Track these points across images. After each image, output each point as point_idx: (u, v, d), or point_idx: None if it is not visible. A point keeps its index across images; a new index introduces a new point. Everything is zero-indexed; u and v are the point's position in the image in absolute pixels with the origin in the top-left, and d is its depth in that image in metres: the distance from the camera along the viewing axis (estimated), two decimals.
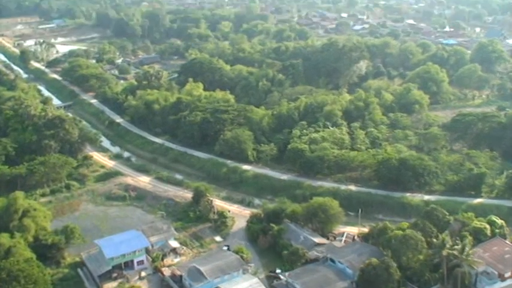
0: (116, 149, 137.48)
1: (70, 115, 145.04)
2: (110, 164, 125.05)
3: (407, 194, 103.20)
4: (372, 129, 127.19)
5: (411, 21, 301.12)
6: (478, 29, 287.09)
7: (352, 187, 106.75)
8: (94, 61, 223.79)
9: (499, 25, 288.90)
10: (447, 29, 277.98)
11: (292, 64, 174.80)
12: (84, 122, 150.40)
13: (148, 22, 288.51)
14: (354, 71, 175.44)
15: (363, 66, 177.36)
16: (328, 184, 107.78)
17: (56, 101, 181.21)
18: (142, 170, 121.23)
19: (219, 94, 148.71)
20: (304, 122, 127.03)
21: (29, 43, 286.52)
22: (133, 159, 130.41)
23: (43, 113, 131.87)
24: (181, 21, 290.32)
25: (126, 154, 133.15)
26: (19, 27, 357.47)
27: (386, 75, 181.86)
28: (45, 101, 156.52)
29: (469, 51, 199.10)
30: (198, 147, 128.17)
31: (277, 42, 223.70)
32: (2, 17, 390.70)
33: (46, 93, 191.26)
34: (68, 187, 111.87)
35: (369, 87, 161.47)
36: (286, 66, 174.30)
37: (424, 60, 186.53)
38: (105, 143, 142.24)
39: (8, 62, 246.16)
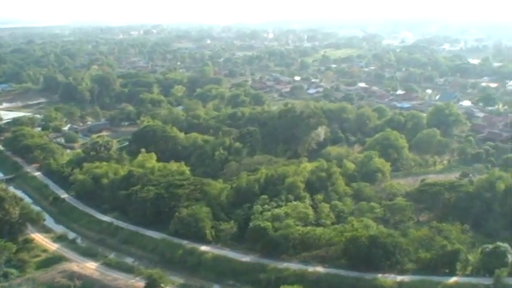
0: (60, 229, 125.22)
1: (11, 191, 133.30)
2: (53, 247, 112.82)
3: (379, 275, 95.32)
4: (337, 202, 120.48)
5: (363, 85, 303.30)
6: (429, 91, 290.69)
7: (320, 268, 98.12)
8: (39, 129, 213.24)
9: (450, 86, 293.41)
10: (400, 91, 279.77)
11: (250, 131, 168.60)
12: (26, 199, 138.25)
13: (98, 86, 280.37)
14: (312, 137, 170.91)
15: (321, 132, 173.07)
16: (294, 266, 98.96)
17: None
18: (88, 254, 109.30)
19: (173, 166, 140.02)
20: (265, 196, 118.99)
21: None
22: (79, 240, 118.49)
23: None
24: (132, 85, 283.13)
25: (71, 235, 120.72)
26: None
27: (344, 141, 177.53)
28: None
29: (425, 115, 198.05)
30: (151, 225, 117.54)
31: (233, 107, 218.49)
32: None
33: None
34: (5, 276, 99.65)
35: (329, 154, 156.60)
36: (243, 133, 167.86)
37: (381, 125, 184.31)
38: (49, 221, 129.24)
39: None
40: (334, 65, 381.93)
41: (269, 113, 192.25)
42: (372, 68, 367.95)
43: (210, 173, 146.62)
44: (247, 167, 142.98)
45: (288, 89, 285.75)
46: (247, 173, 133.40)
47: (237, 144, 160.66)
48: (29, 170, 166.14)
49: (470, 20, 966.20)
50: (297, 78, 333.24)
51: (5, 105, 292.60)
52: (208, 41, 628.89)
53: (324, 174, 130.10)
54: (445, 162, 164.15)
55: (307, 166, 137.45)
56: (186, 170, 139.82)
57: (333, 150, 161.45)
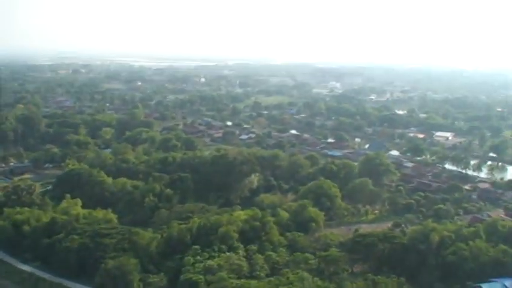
0: None
1: None
2: None
3: None
4: (271, 252, 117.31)
5: (295, 132, 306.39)
6: (358, 140, 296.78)
7: None
8: None
9: (378, 136, 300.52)
10: (330, 140, 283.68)
11: (181, 178, 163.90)
12: None
13: (22, 126, 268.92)
14: (245, 184, 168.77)
15: (254, 179, 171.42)
16: None
17: None
18: None
19: (99, 213, 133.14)
20: (197, 247, 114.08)
21: None
22: None
23: None
24: (58, 125, 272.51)
25: None
26: None
27: (277, 188, 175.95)
28: None
29: (356, 164, 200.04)
30: (75, 277, 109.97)
31: (164, 151, 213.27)
32: None
33: None
34: None
35: (262, 202, 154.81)
36: (174, 179, 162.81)
37: (313, 174, 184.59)
38: None
39: None
40: (265, 112, 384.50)
41: (201, 158, 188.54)
42: (303, 115, 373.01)
43: (139, 221, 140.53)
44: (179, 215, 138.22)
45: (220, 134, 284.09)
46: (178, 222, 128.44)
47: (168, 190, 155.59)
48: None
49: (395, 72, 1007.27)
50: (229, 123, 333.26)
51: None
52: (139, 83, 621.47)
53: (257, 223, 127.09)
54: (376, 212, 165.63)
55: (241, 215, 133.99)
56: (114, 218, 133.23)
57: (266, 198, 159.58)
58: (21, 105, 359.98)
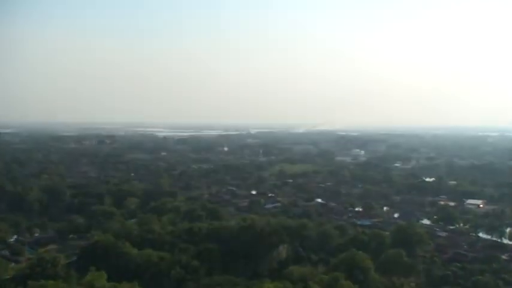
0: None
1: None
2: None
3: None
4: None
5: (321, 200, 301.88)
6: (385, 208, 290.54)
7: None
8: None
9: (407, 205, 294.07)
10: (358, 208, 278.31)
11: (208, 249, 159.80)
12: None
13: (47, 196, 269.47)
14: (273, 256, 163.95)
15: (283, 251, 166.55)
16: None
17: None
18: None
19: (125, 287, 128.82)
20: None
21: None
22: None
23: None
24: (83, 196, 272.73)
25: None
26: None
27: (307, 260, 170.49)
28: None
29: (387, 233, 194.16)
30: None
31: (189, 221, 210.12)
32: None
33: None
34: None
35: (291, 274, 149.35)
36: (201, 251, 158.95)
37: (344, 245, 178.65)
38: None
39: None
40: (290, 180, 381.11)
41: (227, 229, 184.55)
42: (328, 184, 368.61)
43: None
44: None
45: (245, 204, 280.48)
46: None
47: (195, 262, 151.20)
48: None
49: (418, 138, 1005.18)
50: (254, 192, 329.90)
51: None
52: (163, 153, 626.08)
53: None
54: (412, 284, 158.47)
55: (268, 286, 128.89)
56: None
57: (296, 270, 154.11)
58: (45, 176, 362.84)
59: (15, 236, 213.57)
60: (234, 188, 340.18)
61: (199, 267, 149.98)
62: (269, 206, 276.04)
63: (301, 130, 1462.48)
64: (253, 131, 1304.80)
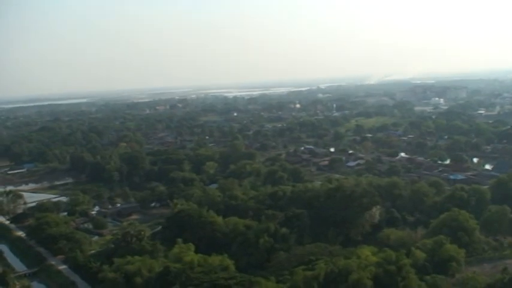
0: None
1: None
2: None
3: None
4: None
5: (405, 155, 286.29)
6: (476, 159, 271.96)
7: None
8: (65, 214, 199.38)
9: (500, 154, 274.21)
10: (447, 161, 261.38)
11: (296, 214, 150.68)
12: None
13: (127, 165, 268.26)
14: (366, 219, 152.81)
15: (375, 213, 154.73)
16: None
17: (20, 266, 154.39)
18: None
19: (215, 259, 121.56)
20: None
21: None
22: None
23: None
24: (162, 162, 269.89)
25: None
26: None
27: (402, 222, 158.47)
28: (4, 275, 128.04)
29: (486, 188, 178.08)
30: None
31: (271, 184, 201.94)
32: None
33: (9, 256, 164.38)
34: None
35: (387, 238, 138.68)
36: (289, 217, 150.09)
37: (441, 203, 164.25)
38: None
39: None
40: (369, 135, 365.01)
41: (314, 191, 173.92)
42: (411, 136, 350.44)
43: (254, 264, 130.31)
44: (299, 259, 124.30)
45: (326, 162, 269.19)
46: (302, 268, 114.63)
47: (284, 229, 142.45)
48: (53, 263, 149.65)
49: (499, 82, 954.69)
50: (332, 149, 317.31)
51: (31, 185, 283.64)
52: (235, 114, 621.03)
53: (392, 267, 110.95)
54: None
55: (370, 257, 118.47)
56: (230, 264, 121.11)
57: (392, 233, 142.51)
58: (124, 144, 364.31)
59: (97, 208, 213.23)
60: (311, 146, 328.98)
61: (289, 235, 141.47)
62: (351, 163, 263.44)
63: (372, 81, 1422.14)
64: (322, 86, 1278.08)
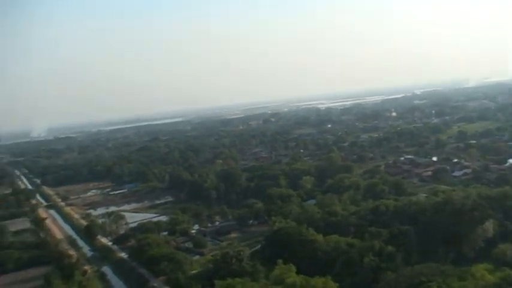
0: None
1: None
2: None
3: None
4: None
5: None
6: None
7: None
8: (166, 233, 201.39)
9: None
10: None
11: (402, 231, 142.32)
12: None
13: (223, 182, 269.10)
14: (479, 234, 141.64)
15: (489, 227, 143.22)
16: None
17: None
18: None
19: (318, 282, 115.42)
20: None
21: (100, 211, 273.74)
22: None
23: None
24: (258, 178, 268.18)
25: None
26: (90, 193, 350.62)
27: None
28: None
29: None
30: None
31: (372, 199, 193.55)
32: (74, 183, 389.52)
33: (113, 278, 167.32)
34: None
35: (503, 254, 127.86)
36: (395, 234, 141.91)
37: None
38: None
39: (74, 236, 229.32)
40: (473, 141, 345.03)
41: (418, 205, 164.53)
42: None
43: (359, 285, 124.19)
44: (408, 279, 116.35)
45: (429, 173, 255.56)
46: None
47: (389, 247, 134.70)
48: (155, 285, 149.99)
49: None
50: (434, 158, 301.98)
51: (132, 205, 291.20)
52: (329, 125, 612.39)
53: None
54: None
55: (487, 276, 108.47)
56: (334, 287, 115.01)
57: (508, 249, 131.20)
58: (220, 161, 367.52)
59: (196, 226, 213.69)
60: (412, 156, 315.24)
61: (395, 254, 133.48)
62: (457, 173, 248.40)
63: (470, 84, 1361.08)
64: (418, 92, 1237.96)
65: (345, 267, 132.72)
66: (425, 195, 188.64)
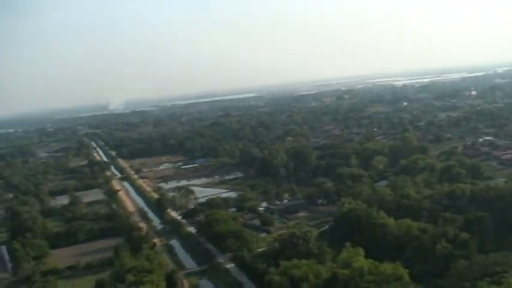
0: None
1: None
2: None
3: None
4: None
5: None
6: None
7: None
8: (234, 209, 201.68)
9: None
10: None
11: (477, 218, 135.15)
12: None
13: (293, 160, 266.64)
14: None
15: None
16: None
17: (190, 263, 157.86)
18: None
19: (387, 268, 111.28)
20: None
21: (171, 185, 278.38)
22: None
23: None
24: (329, 157, 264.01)
25: None
26: (162, 167, 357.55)
27: None
28: (172, 274, 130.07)
29: None
30: None
31: (447, 182, 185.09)
32: (148, 156, 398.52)
33: (180, 252, 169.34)
34: None
35: None
36: (470, 220, 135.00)
37: None
38: None
39: (146, 209, 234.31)
40: None
41: (497, 190, 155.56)
42: None
43: (431, 272, 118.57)
44: (482, 269, 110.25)
45: (509, 156, 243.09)
46: (486, 282, 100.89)
47: (464, 235, 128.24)
48: (221, 261, 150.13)
49: None
50: None
51: (203, 180, 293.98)
52: (405, 103, 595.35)
53: None
54: None
55: None
56: (405, 274, 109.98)
57: None
58: (290, 138, 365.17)
59: (264, 203, 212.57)
60: (491, 138, 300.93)
61: (470, 241, 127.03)
62: None
63: None
64: (499, 70, 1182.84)
65: (416, 254, 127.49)
66: (504, 179, 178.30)
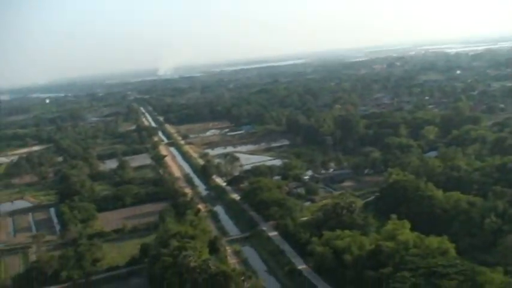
0: None
1: (238, 268, 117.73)
2: None
3: None
4: None
5: None
6: None
7: None
8: (279, 177, 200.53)
9: None
10: None
11: None
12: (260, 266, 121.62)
13: (340, 129, 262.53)
14: None
15: None
16: None
17: (233, 229, 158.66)
18: None
19: (433, 241, 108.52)
20: None
21: (217, 151, 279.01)
22: None
23: (204, 266, 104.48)
24: (377, 126, 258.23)
25: None
26: (209, 133, 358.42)
27: None
28: (215, 240, 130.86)
29: None
30: None
31: (499, 154, 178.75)
32: (195, 122, 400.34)
33: (224, 219, 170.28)
34: None
35: None
36: None
37: None
38: None
39: (191, 175, 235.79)
40: None
41: None
42: None
43: (478, 247, 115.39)
44: None
45: None
46: None
47: None
48: (264, 229, 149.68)
49: None
50: None
51: (249, 147, 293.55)
52: (458, 72, 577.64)
53: None
54: None
55: None
56: (451, 247, 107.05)
57: None
58: (338, 106, 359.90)
59: (309, 172, 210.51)
60: None
61: None
62: None
63: None
64: None
65: (464, 228, 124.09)
66: None
